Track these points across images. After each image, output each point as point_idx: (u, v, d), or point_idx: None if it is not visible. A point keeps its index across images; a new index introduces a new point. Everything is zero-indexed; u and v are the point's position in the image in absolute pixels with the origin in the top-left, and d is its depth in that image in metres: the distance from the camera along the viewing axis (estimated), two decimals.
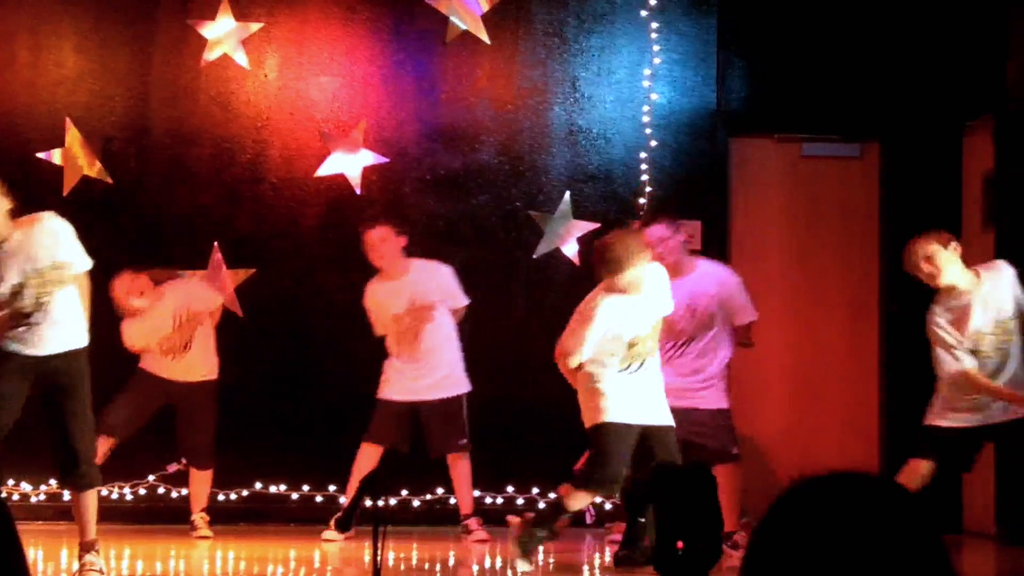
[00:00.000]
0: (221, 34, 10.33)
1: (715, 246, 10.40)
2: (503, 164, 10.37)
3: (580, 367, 7.57)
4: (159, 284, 9.48)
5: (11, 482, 10.02)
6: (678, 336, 8.52)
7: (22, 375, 7.16)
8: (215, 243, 10.25)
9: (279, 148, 10.35)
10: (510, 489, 10.13)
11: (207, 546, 9.06)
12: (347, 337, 9.92)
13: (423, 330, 9.30)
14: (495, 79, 10.45)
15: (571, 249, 10.26)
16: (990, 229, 9.97)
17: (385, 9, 10.43)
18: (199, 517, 9.45)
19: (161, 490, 10.11)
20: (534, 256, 10.29)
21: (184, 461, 9.82)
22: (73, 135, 10.23)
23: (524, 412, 9.98)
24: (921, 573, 2.15)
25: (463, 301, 9.46)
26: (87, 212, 9.88)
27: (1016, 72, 9.83)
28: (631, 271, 7.38)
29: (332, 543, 8.98)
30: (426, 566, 8.45)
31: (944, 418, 7.49)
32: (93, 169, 10.24)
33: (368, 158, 10.35)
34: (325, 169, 10.34)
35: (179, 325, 9.46)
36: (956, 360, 7.38)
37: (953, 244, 7.42)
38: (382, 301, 9.34)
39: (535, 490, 10.05)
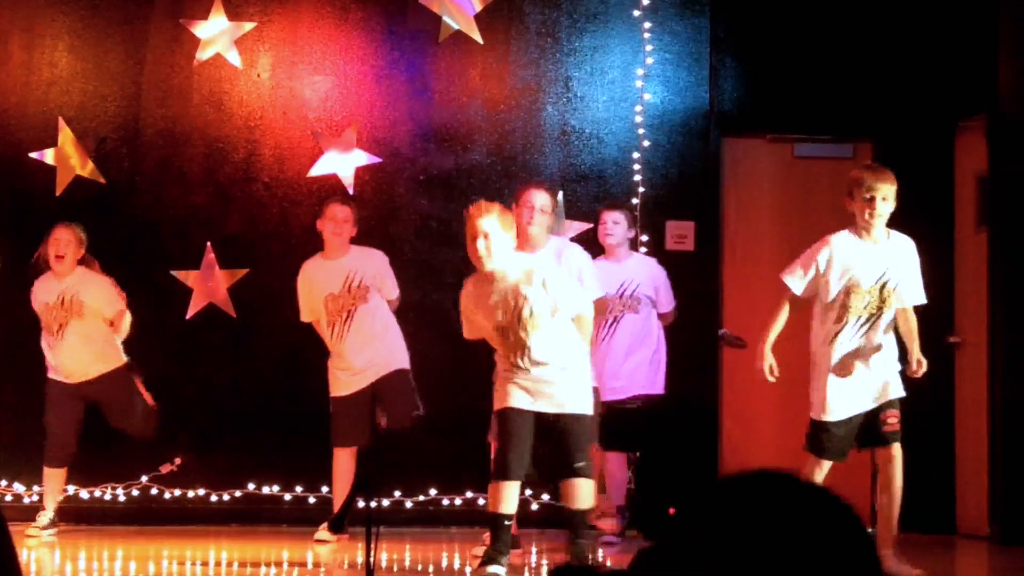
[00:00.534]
0: (214, 34, 10.33)
1: (708, 246, 10.41)
2: (496, 164, 10.37)
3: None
4: (82, 264, 9.49)
5: (4, 483, 10.01)
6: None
7: None
8: (208, 243, 10.24)
9: (272, 148, 10.35)
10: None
11: (201, 547, 9.05)
12: None
13: (356, 313, 9.27)
14: (488, 79, 10.45)
15: None
16: (983, 229, 9.98)
17: (378, 9, 10.42)
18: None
19: (154, 491, 10.10)
20: None
21: (178, 461, 9.83)
22: (66, 135, 10.22)
23: None
24: (846, 571, 2.15)
25: (394, 292, 9.41)
26: (80, 212, 9.89)
27: (1008, 72, 9.84)
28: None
29: (325, 544, 8.97)
30: (419, 567, 8.44)
31: None
32: (86, 169, 10.23)
33: (361, 158, 10.35)
34: (318, 169, 10.34)
35: (61, 303, 9.43)
36: None
37: None
38: (316, 280, 9.31)
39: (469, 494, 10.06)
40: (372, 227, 9.86)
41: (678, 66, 10.49)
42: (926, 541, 8.42)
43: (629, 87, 10.44)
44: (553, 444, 7.39)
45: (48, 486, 9.42)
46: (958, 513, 10.14)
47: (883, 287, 7.56)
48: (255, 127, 10.35)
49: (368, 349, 9.28)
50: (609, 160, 10.41)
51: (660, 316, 9.61)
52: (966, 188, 10.30)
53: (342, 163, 10.34)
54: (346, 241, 9.35)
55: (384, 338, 9.33)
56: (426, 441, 9.80)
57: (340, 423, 9.28)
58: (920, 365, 7.56)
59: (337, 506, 9.17)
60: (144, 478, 10.04)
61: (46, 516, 9.33)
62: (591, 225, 10.03)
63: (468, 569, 8.08)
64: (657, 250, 10.12)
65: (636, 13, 10.43)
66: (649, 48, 10.45)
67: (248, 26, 10.35)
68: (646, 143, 10.39)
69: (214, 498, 10.11)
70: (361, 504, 8.70)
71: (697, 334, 10.14)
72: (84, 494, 9.97)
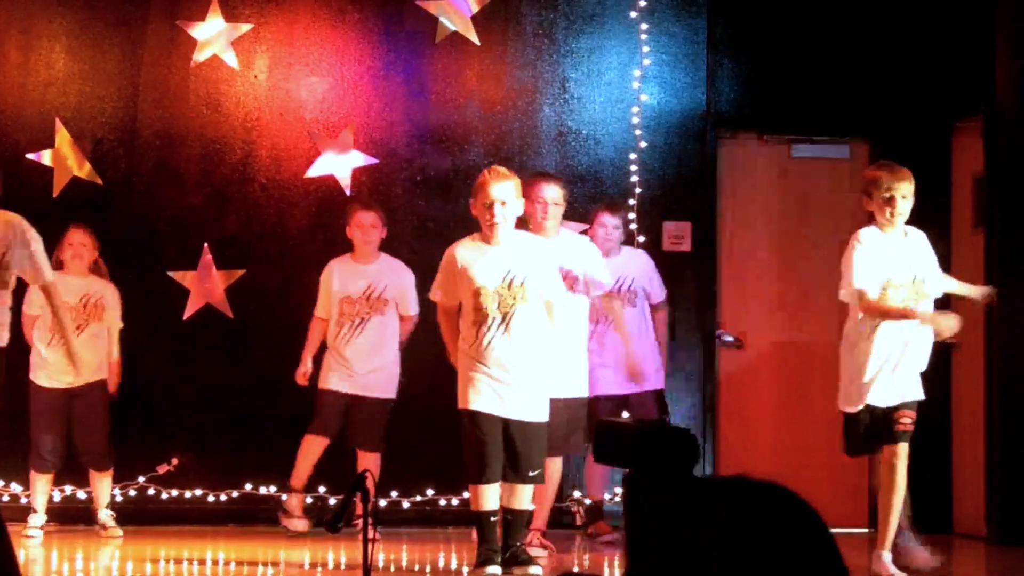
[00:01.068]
0: (211, 35, 10.33)
1: (705, 247, 10.41)
2: (493, 165, 10.35)
3: None
4: (94, 272, 9.49)
5: (1, 483, 10.01)
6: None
7: None
8: (205, 244, 10.24)
9: (269, 149, 10.35)
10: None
11: (198, 547, 9.05)
12: None
13: (369, 323, 9.33)
14: (485, 80, 10.45)
15: None
16: (980, 229, 9.99)
17: (374, 10, 10.43)
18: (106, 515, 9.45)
19: (151, 491, 10.10)
20: None
21: (175, 461, 9.84)
22: (63, 136, 10.22)
23: None
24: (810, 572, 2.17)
25: (413, 309, 9.47)
26: (77, 213, 9.89)
27: (1005, 71, 9.84)
28: None
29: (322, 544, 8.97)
30: (416, 567, 8.44)
31: None
32: (83, 170, 10.23)
33: (358, 159, 10.35)
34: (315, 170, 10.34)
35: (84, 305, 9.41)
36: None
37: None
38: (338, 279, 9.39)
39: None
40: None
41: (675, 67, 10.50)
42: (923, 541, 8.42)
43: (626, 88, 10.44)
44: (510, 447, 7.41)
45: (39, 489, 9.41)
46: (955, 513, 10.15)
47: (914, 280, 7.60)
48: (252, 128, 10.35)
49: (372, 359, 9.33)
50: (606, 161, 10.42)
51: (654, 309, 9.63)
52: (963, 188, 10.31)
53: (339, 164, 10.34)
54: (376, 247, 9.45)
55: (384, 355, 9.38)
56: (423, 442, 9.80)
57: (323, 414, 9.41)
58: (991, 292, 7.84)
59: (296, 483, 9.40)
60: (141, 478, 10.04)
61: (40, 518, 9.33)
62: (588, 226, 10.03)
63: (465, 570, 8.08)
64: (654, 251, 10.12)
65: (633, 14, 10.43)
66: (646, 49, 10.45)
67: (245, 27, 10.35)
68: (643, 144, 10.39)
69: (211, 498, 10.11)
70: (359, 504, 8.68)
71: (694, 335, 10.15)
72: (82, 494, 9.96)
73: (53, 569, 7.98)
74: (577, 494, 10.02)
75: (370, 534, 5.71)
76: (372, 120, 10.39)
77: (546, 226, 8.36)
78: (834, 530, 2.28)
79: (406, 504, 10.10)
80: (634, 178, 10.36)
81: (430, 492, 10.05)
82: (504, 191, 7.46)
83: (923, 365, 7.66)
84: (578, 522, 9.91)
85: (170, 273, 10.19)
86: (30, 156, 10.17)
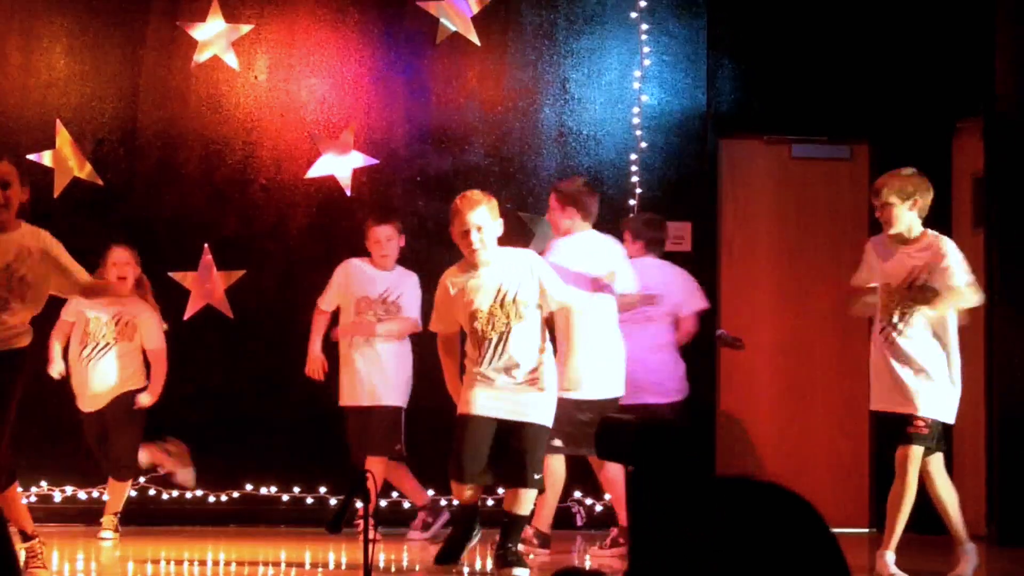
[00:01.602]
0: (211, 36, 10.33)
1: (705, 247, 10.42)
2: (493, 165, 10.37)
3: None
4: (137, 290, 9.39)
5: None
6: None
7: None
8: (205, 244, 10.25)
9: (269, 150, 10.36)
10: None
11: (198, 548, 9.05)
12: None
13: (378, 331, 9.28)
14: (485, 80, 10.46)
15: None
16: (980, 229, 9.99)
17: (375, 11, 10.43)
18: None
19: (152, 492, 10.11)
20: None
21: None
22: (63, 137, 10.22)
23: None
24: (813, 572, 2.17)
25: (413, 312, 9.37)
26: (77, 214, 9.90)
27: (1004, 72, 9.85)
28: None
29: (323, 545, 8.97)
30: (417, 568, 8.44)
31: None
32: (83, 171, 10.24)
33: (358, 160, 10.36)
34: (315, 171, 10.35)
35: (116, 323, 9.37)
36: None
37: None
38: (357, 280, 9.34)
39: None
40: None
41: (675, 68, 10.50)
42: (923, 541, 8.42)
43: (626, 89, 10.45)
44: (510, 452, 7.41)
45: (116, 496, 9.45)
46: None
47: (910, 286, 7.55)
48: (252, 129, 10.36)
49: (382, 368, 9.28)
50: (606, 161, 10.42)
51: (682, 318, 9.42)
52: (963, 188, 10.32)
53: (339, 165, 10.35)
54: (395, 258, 9.39)
55: (398, 366, 9.33)
56: (424, 442, 9.80)
57: (356, 437, 9.30)
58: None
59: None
60: (142, 479, 10.04)
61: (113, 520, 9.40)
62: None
63: (465, 570, 8.08)
64: None
65: (633, 15, 10.44)
66: (646, 50, 10.46)
67: (245, 28, 10.35)
68: (643, 144, 10.40)
69: (212, 499, 10.11)
70: (359, 505, 8.68)
71: (694, 335, 10.14)
72: (82, 495, 9.97)
73: (54, 569, 7.97)
74: (578, 494, 10.02)
75: (370, 534, 5.72)
76: (372, 121, 10.39)
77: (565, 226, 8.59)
78: (835, 530, 2.29)
79: (407, 504, 10.10)
80: (634, 178, 10.37)
81: (431, 493, 10.04)
82: (479, 216, 7.38)
83: (940, 383, 7.58)
84: (578, 523, 9.90)
85: (170, 274, 10.19)
86: (31, 157, 10.17)
